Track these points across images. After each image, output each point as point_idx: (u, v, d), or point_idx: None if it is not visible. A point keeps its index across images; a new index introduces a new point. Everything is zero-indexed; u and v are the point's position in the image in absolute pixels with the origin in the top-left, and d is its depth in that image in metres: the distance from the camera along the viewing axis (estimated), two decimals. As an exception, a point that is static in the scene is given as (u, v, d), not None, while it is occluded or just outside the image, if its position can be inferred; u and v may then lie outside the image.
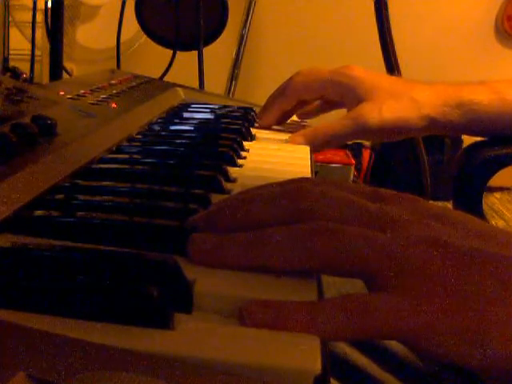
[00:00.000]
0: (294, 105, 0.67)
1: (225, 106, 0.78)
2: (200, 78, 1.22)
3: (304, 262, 0.27)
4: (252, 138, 0.63)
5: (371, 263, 0.26)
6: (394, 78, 0.69)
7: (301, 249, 0.27)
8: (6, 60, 1.72)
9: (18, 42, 1.73)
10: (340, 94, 0.64)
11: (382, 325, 0.24)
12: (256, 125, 0.70)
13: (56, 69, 0.91)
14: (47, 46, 0.97)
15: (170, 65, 1.21)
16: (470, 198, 0.68)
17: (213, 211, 0.32)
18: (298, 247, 0.27)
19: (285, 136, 0.65)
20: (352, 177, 1.07)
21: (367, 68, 0.65)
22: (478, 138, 0.68)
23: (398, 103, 0.62)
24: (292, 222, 0.28)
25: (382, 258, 0.26)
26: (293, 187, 0.31)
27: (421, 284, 0.25)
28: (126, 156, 0.49)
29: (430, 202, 0.32)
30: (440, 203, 0.32)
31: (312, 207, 0.29)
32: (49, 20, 0.94)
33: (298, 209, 0.29)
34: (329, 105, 0.71)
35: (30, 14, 1.37)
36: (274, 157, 0.55)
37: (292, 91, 0.65)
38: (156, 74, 1.07)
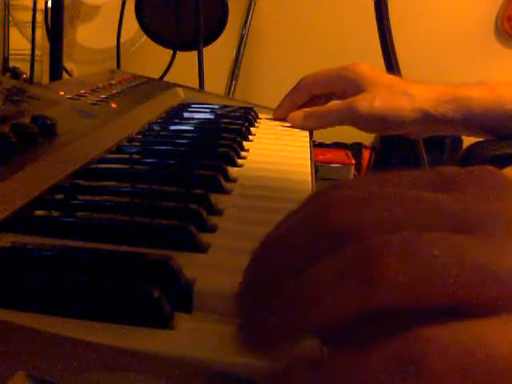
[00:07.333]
0: (307, 99, 0.72)
1: (225, 106, 0.78)
2: (200, 78, 1.22)
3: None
4: (252, 138, 0.63)
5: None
6: (395, 77, 0.73)
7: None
8: (6, 60, 1.72)
9: (18, 42, 1.72)
10: (344, 87, 0.69)
11: None
12: (256, 125, 0.70)
13: (56, 69, 0.91)
14: (47, 45, 0.96)
15: (170, 65, 1.21)
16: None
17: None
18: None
19: (286, 137, 0.65)
20: (352, 177, 1.07)
21: (368, 68, 0.70)
22: (477, 139, 0.68)
23: (391, 95, 0.66)
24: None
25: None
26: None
27: None
28: (126, 156, 0.49)
29: None
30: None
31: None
32: (49, 20, 0.94)
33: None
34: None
35: (30, 14, 1.37)
36: (274, 157, 0.55)
37: (303, 86, 0.72)
38: (156, 74, 1.07)
